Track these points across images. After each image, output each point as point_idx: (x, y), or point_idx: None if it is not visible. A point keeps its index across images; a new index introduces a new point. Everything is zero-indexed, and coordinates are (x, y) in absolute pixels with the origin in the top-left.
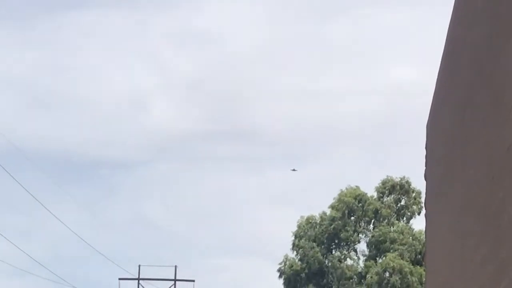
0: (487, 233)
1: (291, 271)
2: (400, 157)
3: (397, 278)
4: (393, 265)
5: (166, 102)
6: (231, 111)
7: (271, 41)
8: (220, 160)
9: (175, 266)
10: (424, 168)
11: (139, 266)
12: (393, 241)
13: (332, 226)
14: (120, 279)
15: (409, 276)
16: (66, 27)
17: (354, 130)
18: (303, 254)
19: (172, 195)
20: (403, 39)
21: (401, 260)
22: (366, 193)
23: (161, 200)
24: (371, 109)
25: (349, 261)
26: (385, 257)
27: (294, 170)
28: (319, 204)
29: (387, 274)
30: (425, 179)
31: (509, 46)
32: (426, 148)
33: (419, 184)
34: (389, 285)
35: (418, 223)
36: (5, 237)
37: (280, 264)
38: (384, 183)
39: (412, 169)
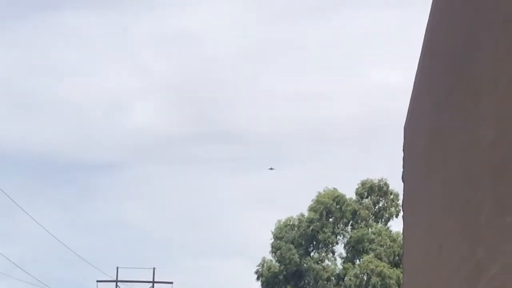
0: (464, 234)
1: (269, 273)
2: (380, 158)
3: (378, 280)
4: (372, 267)
5: (148, 104)
6: (212, 113)
7: (252, 42)
8: (201, 162)
9: (153, 268)
10: (402, 170)
11: (117, 268)
12: (371, 243)
13: (310, 228)
14: (98, 281)
15: (387, 279)
16: (46, 29)
17: (335, 131)
18: (281, 256)
19: (152, 196)
20: (384, 40)
21: (381, 262)
22: (344, 195)
23: (141, 201)
24: (351, 111)
25: (327, 263)
26: (363, 258)
27: (271, 168)
28: (300, 205)
29: (365, 276)
30: (403, 181)
31: (486, 47)
32: (403, 150)
33: (397, 185)
34: (369, 287)
35: (396, 225)
36: None
37: (258, 266)
38: (363, 184)
39: (392, 171)
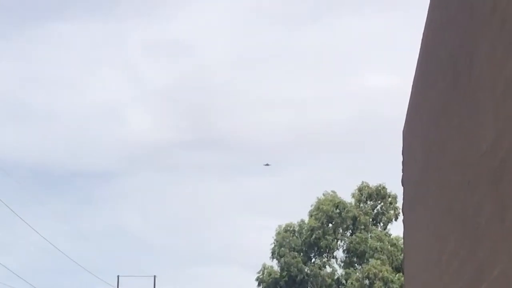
0: (464, 237)
1: (270, 279)
2: (377, 162)
3: (381, 285)
4: (375, 272)
5: (143, 112)
6: (206, 120)
7: (246, 49)
8: (197, 169)
9: (154, 276)
10: (401, 174)
11: (118, 276)
12: (371, 248)
13: (312, 237)
14: None
15: (390, 283)
16: (41, 39)
17: (330, 136)
18: (284, 262)
19: (150, 204)
20: (377, 45)
21: (384, 266)
22: (344, 200)
23: (139, 210)
24: (346, 115)
25: (328, 269)
26: (365, 263)
27: (267, 164)
28: (297, 210)
29: (367, 281)
30: (402, 184)
31: (482, 52)
32: (402, 154)
33: (395, 189)
34: None
35: (395, 228)
36: None
37: (258, 273)
38: (360, 189)
39: (390, 175)
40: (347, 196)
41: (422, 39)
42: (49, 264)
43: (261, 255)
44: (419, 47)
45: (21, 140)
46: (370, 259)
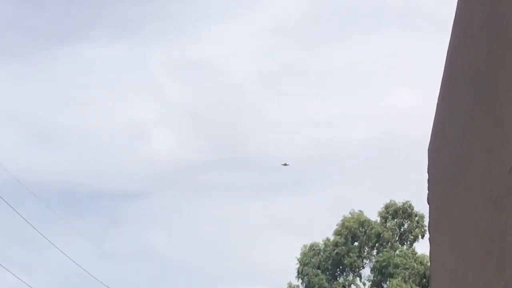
0: (490, 255)
1: None
2: (403, 181)
3: None
4: None
5: (167, 133)
6: (232, 140)
7: (270, 69)
8: (223, 189)
9: None
10: (427, 191)
11: None
12: (397, 266)
13: (335, 252)
14: None
15: None
16: (66, 60)
17: (356, 155)
18: (308, 282)
19: (176, 225)
20: (401, 64)
21: (407, 285)
22: (369, 219)
23: (165, 230)
24: (372, 134)
25: None
26: (390, 282)
27: (285, 164)
28: (323, 230)
29: None
30: (428, 202)
31: (507, 69)
32: (428, 172)
33: (422, 207)
34: None
35: (421, 247)
36: (9, 271)
37: None
38: (387, 207)
39: (415, 193)
40: (374, 215)
41: (446, 58)
42: (76, 285)
43: (287, 274)
44: (444, 66)
45: (47, 161)
46: (396, 275)
